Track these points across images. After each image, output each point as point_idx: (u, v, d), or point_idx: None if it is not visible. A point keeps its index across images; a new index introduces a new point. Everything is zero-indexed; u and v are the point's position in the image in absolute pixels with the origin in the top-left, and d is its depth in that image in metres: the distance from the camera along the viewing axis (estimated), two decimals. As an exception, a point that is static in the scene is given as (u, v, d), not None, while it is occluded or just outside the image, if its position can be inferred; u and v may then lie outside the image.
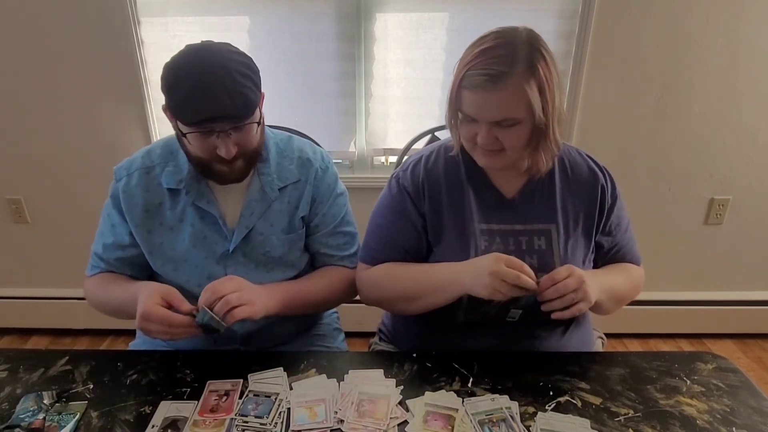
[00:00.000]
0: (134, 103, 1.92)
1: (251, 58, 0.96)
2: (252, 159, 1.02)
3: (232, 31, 1.84)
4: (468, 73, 0.88)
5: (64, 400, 0.88)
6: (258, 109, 0.97)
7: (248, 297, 0.91)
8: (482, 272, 0.88)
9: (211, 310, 0.88)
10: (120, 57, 1.85)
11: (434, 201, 1.03)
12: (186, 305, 0.91)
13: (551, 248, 1.00)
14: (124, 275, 1.10)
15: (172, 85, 0.90)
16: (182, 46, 0.94)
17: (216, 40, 0.96)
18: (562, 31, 1.84)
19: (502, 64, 0.86)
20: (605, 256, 1.08)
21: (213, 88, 0.88)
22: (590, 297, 0.88)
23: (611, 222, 1.05)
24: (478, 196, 1.02)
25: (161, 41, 1.85)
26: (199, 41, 0.95)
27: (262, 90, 0.98)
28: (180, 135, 0.96)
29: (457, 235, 1.01)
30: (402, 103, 1.94)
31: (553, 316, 0.89)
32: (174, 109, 0.92)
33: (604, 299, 0.96)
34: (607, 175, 1.06)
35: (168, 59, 0.93)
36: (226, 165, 0.97)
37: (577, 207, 1.03)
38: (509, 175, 1.03)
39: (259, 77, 0.96)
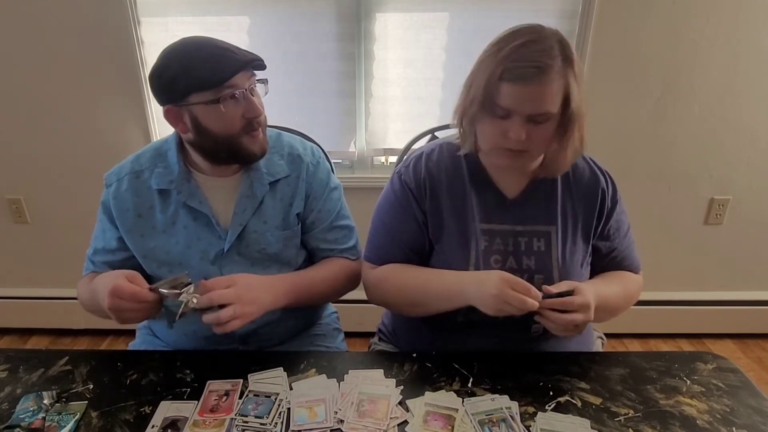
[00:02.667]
0: (134, 104, 1.92)
1: None
2: (265, 129, 1.04)
3: (232, 31, 1.84)
4: (511, 65, 0.86)
5: (64, 400, 0.88)
6: None
7: (241, 311, 0.90)
8: (487, 293, 0.88)
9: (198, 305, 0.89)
10: (120, 57, 1.85)
11: (435, 199, 1.03)
12: (146, 285, 0.91)
13: (550, 250, 1.00)
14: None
15: (186, 63, 0.91)
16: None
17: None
18: (562, 31, 1.82)
19: (546, 56, 0.86)
20: (603, 260, 1.07)
21: (227, 48, 0.93)
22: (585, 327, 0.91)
23: (610, 226, 1.05)
24: (479, 196, 1.02)
25: (161, 41, 1.84)
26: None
27: None
28: (205, 112, 0.95)
29: (457, 234, 1.01)
30: (402, 103, 1.94)
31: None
32: (197, 81, 0.92)
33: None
34: (608, 178, 1.06)
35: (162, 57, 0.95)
36: (253, 136, 0.99)
37: (577, 210, 1.03)
38: (512, 175, 1.03)
39: None
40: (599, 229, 1.04)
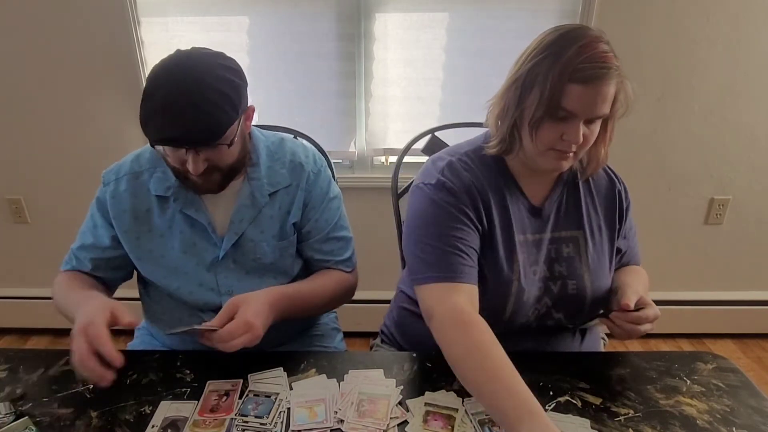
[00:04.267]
0: (134, 104, 1.89)
1: (237, 70, 0.92)
2: (230, 172, 0.98)
3: (232, 31, 1.84)
4: (581, 65, 0.84)
5: (20, 409, 0.85)
6: (234, 129, 0.91)
7: (256, 341, 0.88)
8: None
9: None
10: (120, 57, 1.85)
11: (488, 207, 0.97)
12: (127, 319, 0.85)
13: (579, 255, 1.00)
14: (92, 279, 1.07)
15: (145, 97, 0.87)
16: (182, 46, 0.92)
17: (210, 45, 0.93)
18: (562, 31, 1.83)
19: (611, 57, 0.86)
20: (619, 259, 1.09)
21: (178, 110, 0.84)
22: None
23: (625, 226, 1.07)
24: (513, 205, 0.99)
25: (161, 41, 1.86)
26: (190, 48, 0.91)
27: (250, 104, 0.97)
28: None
29: (503, 246, 0.97)
30: (402, 103, 1.94)
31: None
32: (141, 122, 0.87)
33: None
34: (620, 180, 1.07)
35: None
36: (199, 177, 0.93)
37: (599, 213, 1.04)
38: (538, 181, 1.01)
39: (241, 93, 0.91)
40: (620, 230, 1.06)
